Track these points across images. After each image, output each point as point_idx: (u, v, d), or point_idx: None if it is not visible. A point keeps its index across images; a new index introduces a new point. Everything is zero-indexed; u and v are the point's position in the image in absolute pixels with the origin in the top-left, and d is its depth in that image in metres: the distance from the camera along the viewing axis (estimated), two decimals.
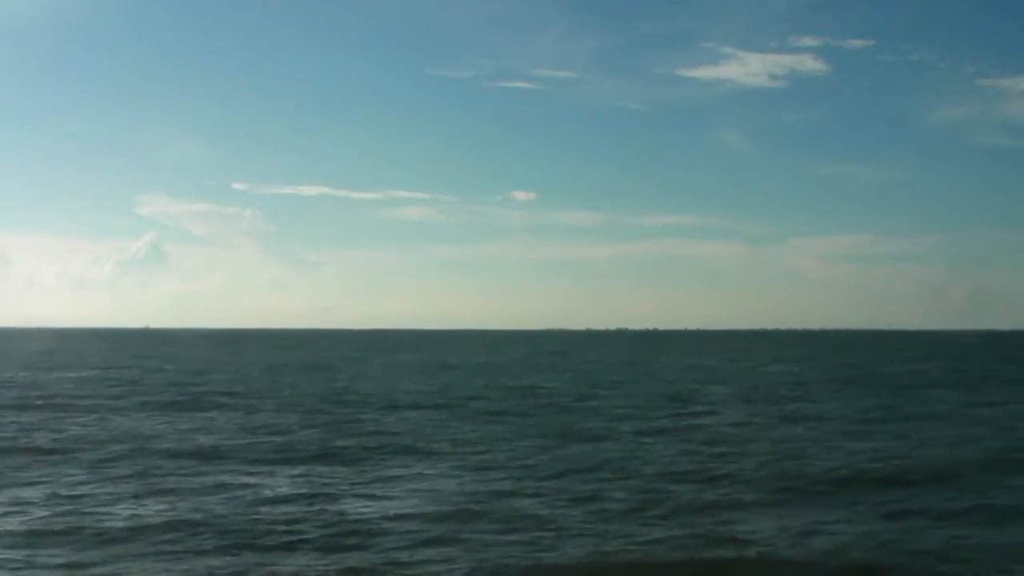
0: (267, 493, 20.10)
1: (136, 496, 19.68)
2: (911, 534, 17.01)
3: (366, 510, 18.54)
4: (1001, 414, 37.86)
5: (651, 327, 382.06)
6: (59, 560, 15.01)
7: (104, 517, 17.69)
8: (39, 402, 41.09)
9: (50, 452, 25.95)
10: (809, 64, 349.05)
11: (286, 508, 18.53)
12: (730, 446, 27.73)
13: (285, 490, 20.49)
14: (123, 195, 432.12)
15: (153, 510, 18.31)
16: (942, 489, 21.12)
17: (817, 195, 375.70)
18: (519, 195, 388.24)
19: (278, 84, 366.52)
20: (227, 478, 21.83)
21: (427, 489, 20.73)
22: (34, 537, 16.28)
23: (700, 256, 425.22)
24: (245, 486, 20.84)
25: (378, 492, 20.41)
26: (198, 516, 17.62)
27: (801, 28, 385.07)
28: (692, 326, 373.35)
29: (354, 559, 15.09)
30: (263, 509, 18.41)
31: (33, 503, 18.98)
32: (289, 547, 15.71)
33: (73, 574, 14.41)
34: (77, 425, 32.46)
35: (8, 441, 28.23)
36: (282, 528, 16.86)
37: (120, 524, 17.15)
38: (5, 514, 17.98)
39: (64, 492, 20.07)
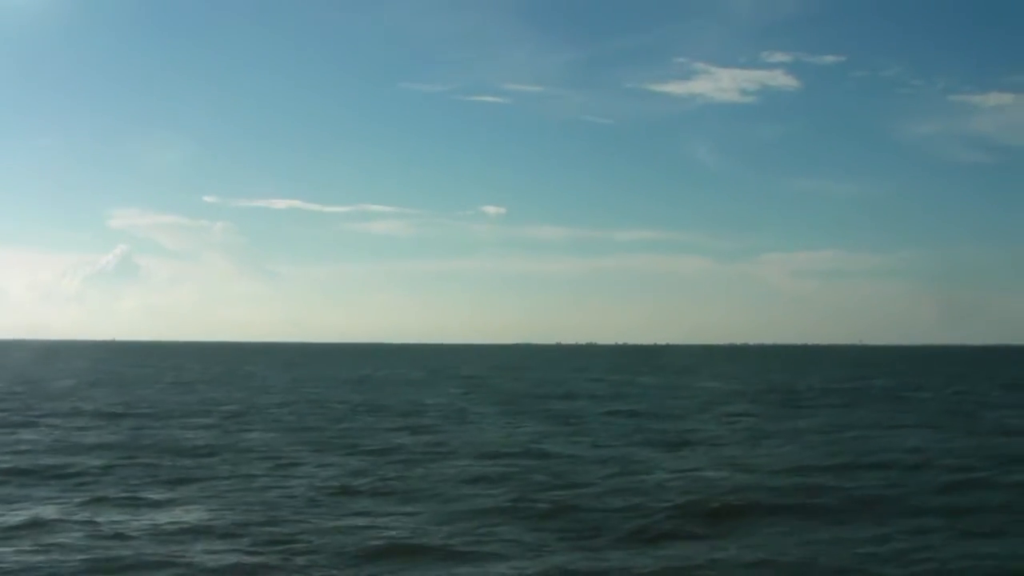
0: None
1: None
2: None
3: None
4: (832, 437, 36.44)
5: (621, 342, 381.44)
6: None
7: None
8: None
9: None
10: (780, 79, 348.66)
11: None
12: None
13: None
14: (94, 208, 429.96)
15: None
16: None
17: (788, 210, 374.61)
18: (489, 209, 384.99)
19: (250, 98, 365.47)
20: None
21: None
22: None
23: (671, 271, 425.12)
24: None
25: None
26: None
27: (772, 44, 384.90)
28: (663, 341, 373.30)
29: None
30: None
31: None
32: None
33: None
34: None
35: None
36: None
37: None
38: None
39: None
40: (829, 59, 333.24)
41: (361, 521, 18.47)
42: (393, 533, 17.46)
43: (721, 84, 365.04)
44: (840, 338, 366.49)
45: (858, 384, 74.38)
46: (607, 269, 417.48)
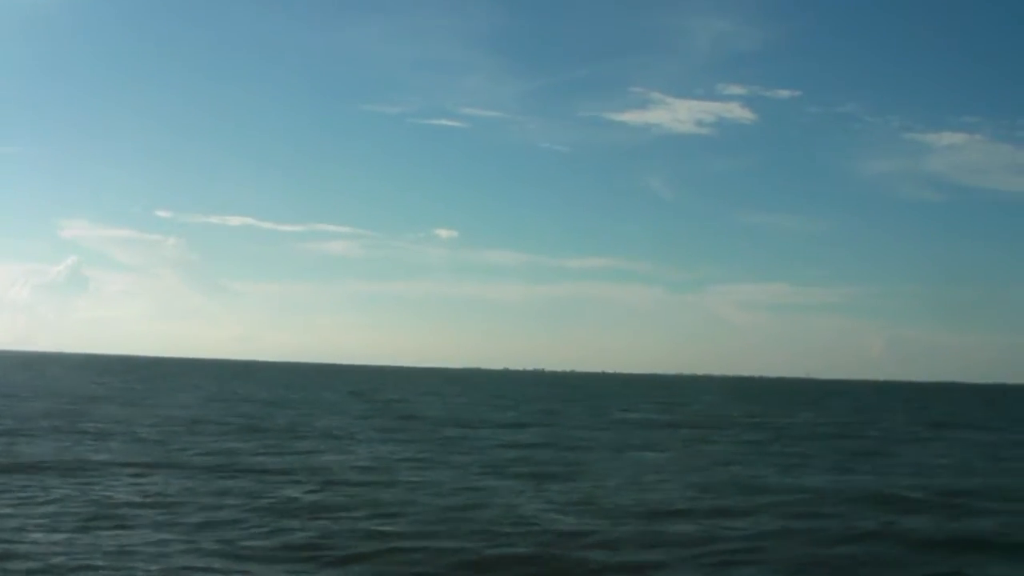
0: None
1: None
2: None
3: None
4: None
5: (569, 369, 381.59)
6: None
7: None
8: None
9: None
10: (736, 112, 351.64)
11: None
12: None
13: None
14: (45, 219, 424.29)
15: None
16: None
17: (739, 243, 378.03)
18: (442, 232, 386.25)
19: (207, 112, 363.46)
20: None
21: None
22: None
23: (621, 300, 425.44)
24: None
25: None
26: None
27: (729, 76, 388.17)
28: (611, 369, 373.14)
29: None
30: None
31: None
32: None
33: None
34: None
35: None
36: None
37: None
38: None
39: None
40: (785, 93, 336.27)
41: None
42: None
43: (677, 115, 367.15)
44: (787, 371, 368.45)
45: (779, 419, 73.43)
46: (558, 296, 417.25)
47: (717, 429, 56.39)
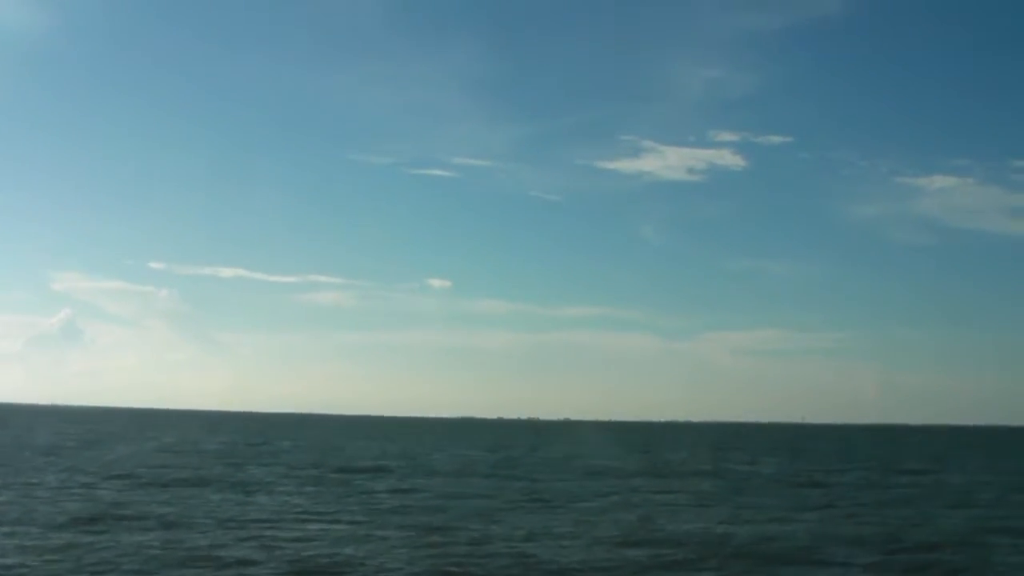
0: None
1: None
2: None
3: None
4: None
5: (563, 417, 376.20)
6: None
7: None
8: None
9: None
10: (728, 159, 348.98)
11: None
12: None
13: None
14: (38, 270, 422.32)
15: None
16: None
17: (732, 289, 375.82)
18: (434, 282, 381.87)
19: (199, 164, 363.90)
20: None
21: None
22: None
23: (614, 348, 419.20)
24: None
25: None
26: None
27: (720, 123, 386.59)
28: (604, 417, 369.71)
29: None
30: None
31: None
32: None
33: None
34: None
35: None
36: None
37: None
38: None
39: None
40: (776, 139, 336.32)
41: None
42: None
43: (669, 162, 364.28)
44: (782, 416, 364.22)
45: (747, 467, 71.16)
46: (552, 345, 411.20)
47: (677, 478, 54.32)
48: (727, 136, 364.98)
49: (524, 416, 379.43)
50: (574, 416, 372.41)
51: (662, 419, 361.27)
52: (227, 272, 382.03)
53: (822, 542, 26.90)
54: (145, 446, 77.27)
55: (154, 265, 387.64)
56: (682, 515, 33.54)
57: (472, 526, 28.76)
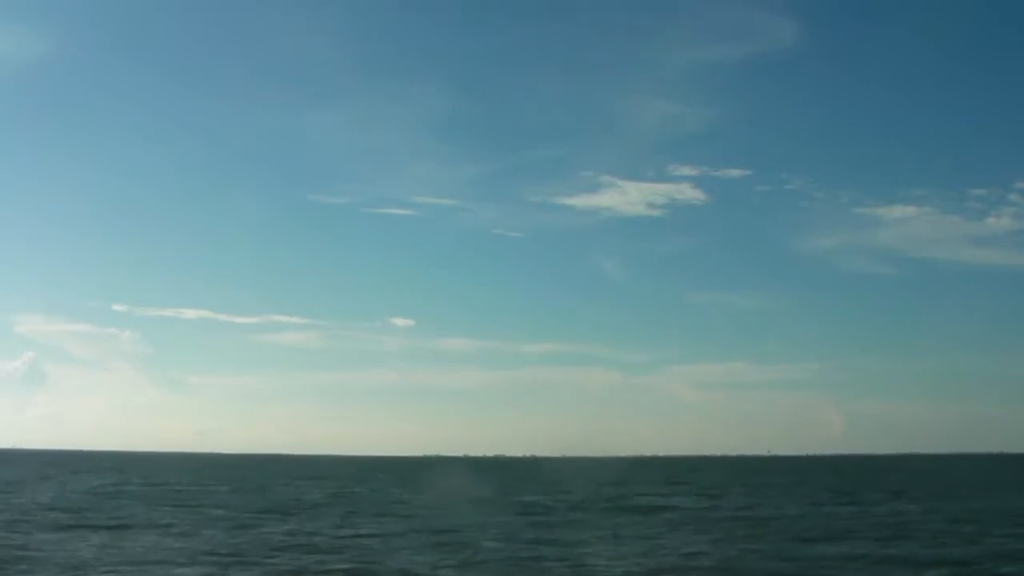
0: None
1: None
2: None
3: None
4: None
5: (529, 454, 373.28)
6: None
7: None
8: None
9: None
10: (688, 193, 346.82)
11: None
12: None
13: None
14: (0, 314, 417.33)
15: None
16: None
17: (693, 323, 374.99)
18: (398, 321, 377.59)
19: (159, 205, 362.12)
20: None
21: None
22: None
23: (577, 384, 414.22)
24: None
25: None
26: None
27: (679, 157, 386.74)
28: (570, 453, 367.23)
29: None
30: None
31: None
32: None
33: None
34: None
35: None
36: None
37: None
38: None
39: None
40: (735, 172, 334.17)
41: None
42: None
43: (628, 197, 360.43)
44: (748, 448, 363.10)
45: (675, 500, 70.81)
46: (516, 381, 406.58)
47: (600, 513, 53.87)
48: (686, 170, 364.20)
49: (490, 453, 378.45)
50: (540, 453, 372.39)
51: (628, 454, 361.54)
52: (190, 313, 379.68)
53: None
54: (70, 488, 76.01)
55: (117, 307, 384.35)
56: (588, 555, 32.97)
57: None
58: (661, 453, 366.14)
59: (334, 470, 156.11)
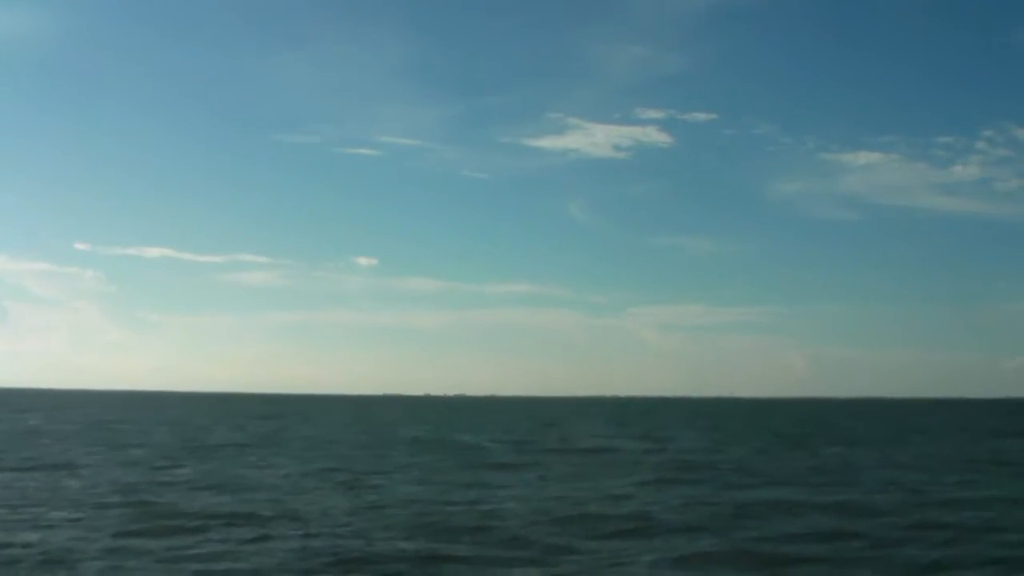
0: None
1: None
2: None
3: None
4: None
5: (491, 393, 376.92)
6: None
7: None
8: None
9: None
10: (654, 136, 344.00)
11: None
12: None
13: None
14: None
15: None
16: None
17: (657, 266, 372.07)
18: (361, 260, 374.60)
19: (124, 144, 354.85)
20: None
21: None
22: None
23: (541, 325, 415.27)
24: None
25: None
26: None
27: (647, 100, 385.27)
28: (532, 393, 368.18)
29: None
30: None
31: None
32: None
33: None
34: None
35: None
36: None
37: None
38: None
39: None
40: (701, 116, 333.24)
41: None
42: None
43: (595, 139, 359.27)
44: (709, 390, 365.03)
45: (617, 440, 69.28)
46: (478, 322, 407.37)
47: (536, 454, 52.28)
48: (653, 113, 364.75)
49: (452, 393, 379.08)
50: (500, 392, 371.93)
51: (590, 394, 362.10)
52: (153, 252, 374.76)
53: None
54: (2, 428, 73.57)
55: (79, 246, 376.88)
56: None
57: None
58: (623, 394, 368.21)
59: (290, 408, 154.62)
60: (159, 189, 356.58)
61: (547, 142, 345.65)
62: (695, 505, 28.81)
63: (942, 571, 19.99)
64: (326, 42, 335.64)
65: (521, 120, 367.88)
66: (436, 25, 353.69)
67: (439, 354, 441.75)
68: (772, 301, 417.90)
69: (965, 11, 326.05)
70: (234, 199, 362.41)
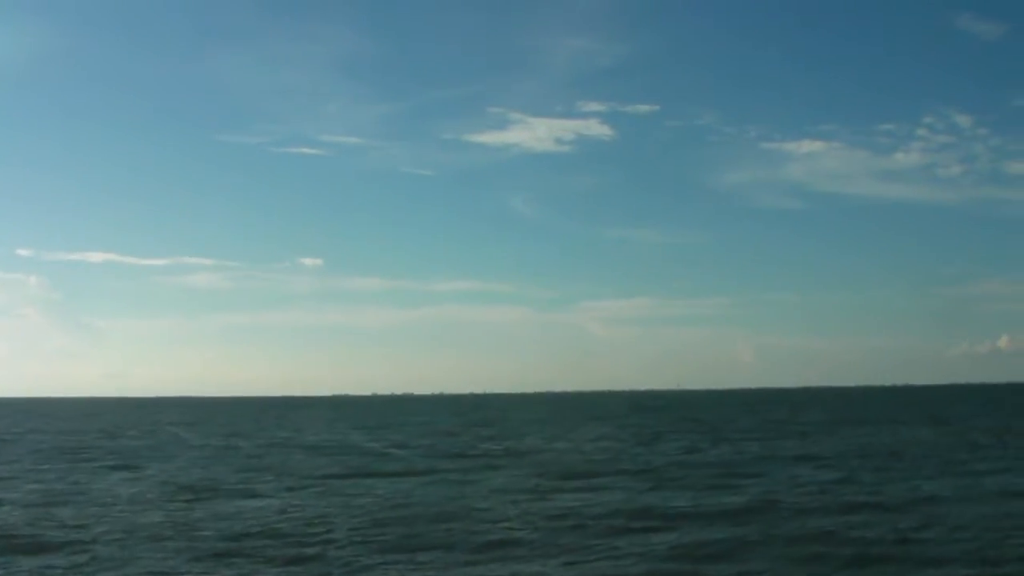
0: None
1: None
2: None
3: None
4: None
5: (439, 391, 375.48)
6: None
7: None
8: None
9: None
10: (596, 129, 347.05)
11: None
12: None
13: None
14: None
15: None
16: None
17: (604, 259, 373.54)
18: (306, 261, 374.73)
19: (65, 147, 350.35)
20: None
21: None
22: None
23: (488, 321, 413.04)
24: None
25: None
26: None
27: (587, 93, 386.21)
28: (481, 390, 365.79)
29: None
30: None
31: None
32: None
33: None
34: None
35: None
36: None
37: None
38: None
39: None
40: (643, 108, 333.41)
41: None
42: None
43: (537, 134, 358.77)
44: (659, 383, 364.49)
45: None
46: (425, 320, 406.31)
47: (414, 459, 49.96)
48: (595, 106, 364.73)
49: (399, 392, 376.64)
50: (448, 390, 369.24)
51: (537, 390, 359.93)
52: (97, 257, 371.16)
53: None
54: None
55: (22, 252, 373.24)
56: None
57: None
58: (571, 389, 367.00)
59: (233, 411, 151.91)
60: (101, 192, 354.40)
61: (489, 137, 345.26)
62: (521, 495, 26.86)
63: None
64: (267, 39, 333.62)
65: (463, 115, 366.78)
66: (376, 21, 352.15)
67: (386, 353, 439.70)
68: (719, 292, 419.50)
69: None
70: (177, 201, 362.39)
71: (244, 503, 30.33)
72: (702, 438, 62.59)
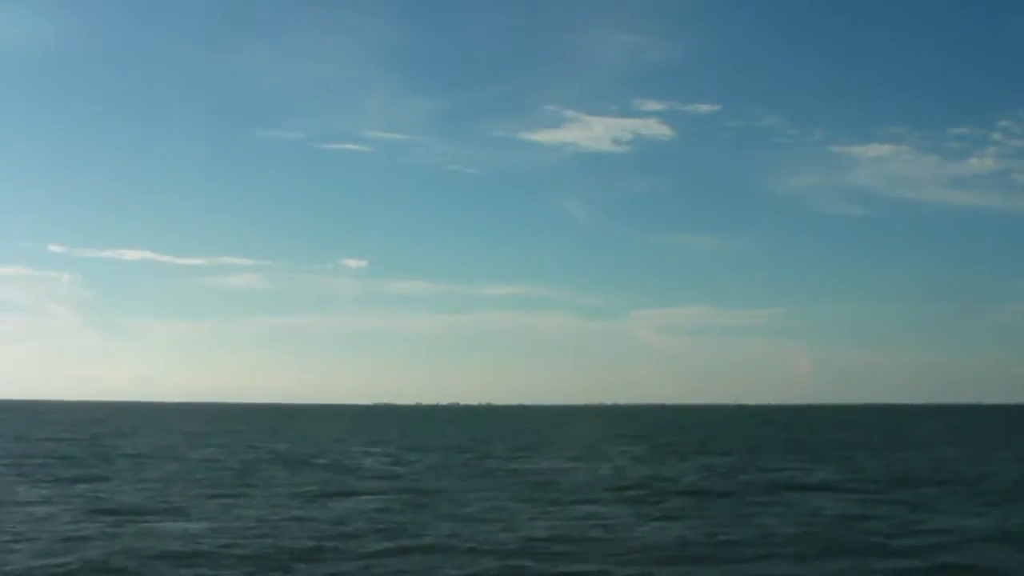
0: None
1: None
2: None
3: None
4: None
5: (485, 401, 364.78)
6: None
7: None
8: None
9: None
10: (654, 128, 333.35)
11: None
12: None
13: None
14: None
15: None
16: None
17: (659, 266, 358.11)
18: (350, 262, 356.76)
19: (100, 142, 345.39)
20: None
21: None
22: None
23: (537, 328, 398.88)
24: None
25: None
26: None
27: (646, 92, 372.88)
28: (528, 401, 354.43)
29: None
30: None
31: None
32: None
33: None
34: None
35: None
36: None
37: None
38: None
39: None
40: (704, 108, 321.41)
41: None
42: None
43: (593, 133, 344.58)
44: (715, 397, 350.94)
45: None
46: (471, 326, 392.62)
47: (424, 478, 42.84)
48: (653, 105, 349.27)
49: (444, 402, 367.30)
50: (496, 401, 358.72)
51: (588, 402, 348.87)
52: (131, 255, 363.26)
53: None
54: None
55: (54, 248, 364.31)
56: None
57: None
58: (623, 402, 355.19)
59: (259, 420, 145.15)
60: (137, 188, 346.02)
61: (542, 136, 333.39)
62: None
63: None
64: (307, 32, 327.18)
65: (514, 113, 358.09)
66: (422, 12, 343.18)
67: (431, 360, 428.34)
68: (778, 302, 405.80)
69: None
70: (215, 198, 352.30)
71: (166, 525, 26.04)
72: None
